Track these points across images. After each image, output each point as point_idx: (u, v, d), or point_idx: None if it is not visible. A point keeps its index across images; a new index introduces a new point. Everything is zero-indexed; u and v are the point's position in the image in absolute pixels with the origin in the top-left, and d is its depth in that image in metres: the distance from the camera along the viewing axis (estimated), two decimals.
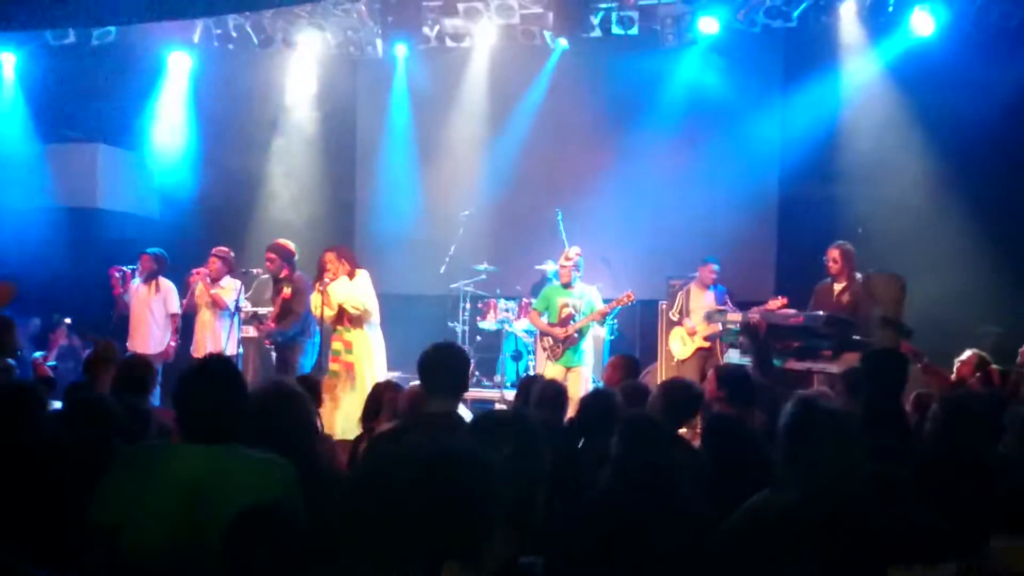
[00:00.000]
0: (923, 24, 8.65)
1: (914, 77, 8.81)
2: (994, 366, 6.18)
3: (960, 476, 3.18)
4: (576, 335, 7.65)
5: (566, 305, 7.72)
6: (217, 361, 2.77)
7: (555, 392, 4.54)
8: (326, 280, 7.17)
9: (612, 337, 9.45)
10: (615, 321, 9.58)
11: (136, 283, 8.27)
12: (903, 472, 2.84)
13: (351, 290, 7.16)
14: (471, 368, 9.51)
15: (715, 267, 8.51)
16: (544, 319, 7.83)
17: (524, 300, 9.17)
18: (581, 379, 7.65)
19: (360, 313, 7.15)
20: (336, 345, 7.22)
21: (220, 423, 2.59)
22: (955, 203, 8.55)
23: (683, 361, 8.53)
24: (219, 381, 2.65)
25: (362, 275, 7.28)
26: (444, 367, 3.48)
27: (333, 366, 7.22)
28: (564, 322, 7.68)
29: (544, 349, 7.84)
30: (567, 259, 7.82)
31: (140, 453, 2.71)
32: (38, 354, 7.94)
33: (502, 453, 1.92)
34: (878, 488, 2.48)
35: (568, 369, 7.62)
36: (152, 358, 7.92)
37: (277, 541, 2.12)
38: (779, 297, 7.73)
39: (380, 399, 4.67)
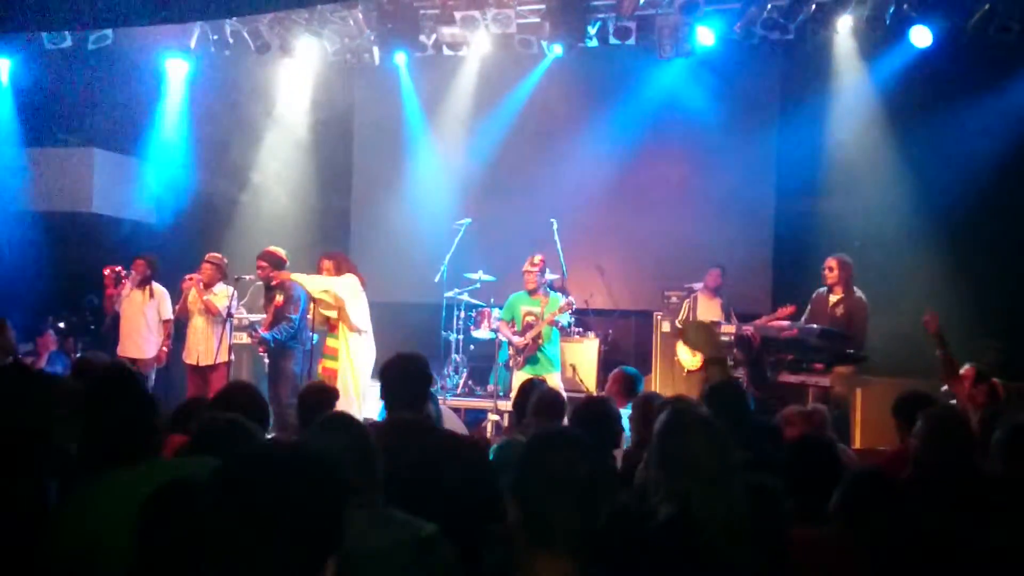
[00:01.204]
0: (921, 37, 8.64)
1: (912, 90, 8.81)
2: (996, 380, 6.14)
3: (945, 491, 3.15)
4: (533, 343, 7.59)
5: (529, 313, 7.68)
6: (115, 372, 2.62)
7: (552, 399, 4.43)
8: None
9: (606, 348, 9.43)
10: (610, 331, 9.57)
11: (129, 288, 8.24)
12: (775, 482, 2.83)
13: (330, 281, 7.17)
14: (462, 380, 9.55)
15: (717, 272, 8.53)
16: (512, 327, 7.79)
17: None
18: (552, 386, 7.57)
19: (334, 302, 7.14)
20: (327, 347, 7.31)
21: (138, 439, 2.46)
22: (954, 216, 8.54)
23: (692, 372, 8.48)
24: (126, 393, 2.52)
25: (349, 276, 7.30)
26: (404, 378, 3.35)
27: (329, 363, 7.29)
28: (525, 330, 7.65)
29: (511, 358, 7.81)
30: (532, 265, 7.75)
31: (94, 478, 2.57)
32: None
33: (577, 472, 1.89)
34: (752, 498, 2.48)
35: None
36: (144, 363, 7.95)
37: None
38: (788, 305, 7.69)
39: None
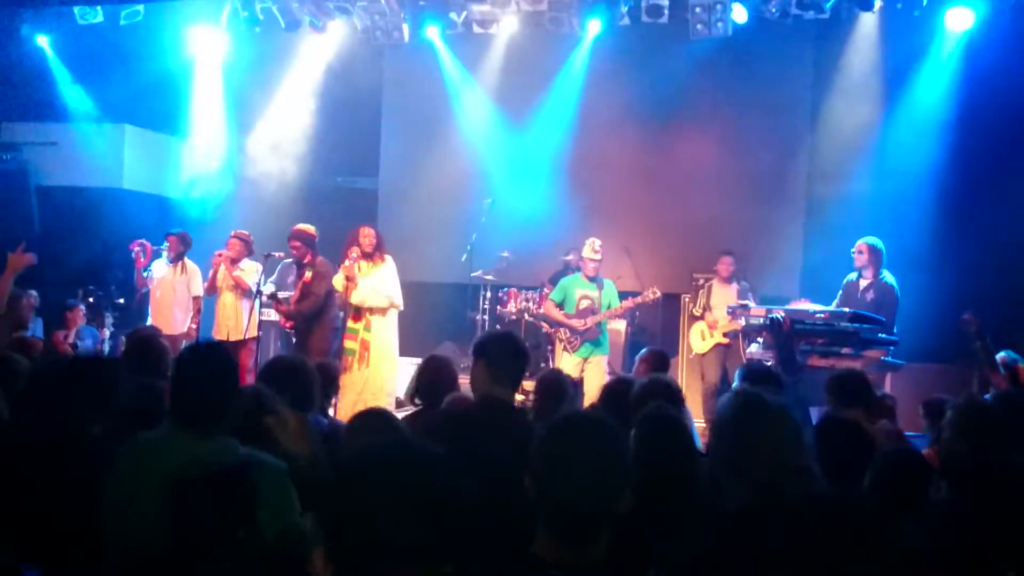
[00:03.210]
0: (959, 17, 8.49)
1: (950, 71, 8.66)
2: (1021, 365, 6.04)
3: (981, 488, 3.08)
4: (596, 328, 7.60)
5: (585, 297, 7.66)
6: (214, 349, 2.82)
7: (552, 381, 4.47)
8: (353, 256, 7.21)
9: (632, 330, 9.40)
10: (636, 313, 9.53)
11: (162, 262, 8.31)
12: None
13: (376, 285, 7.19)
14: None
15: (728, 259, 8.45)
16: (561, 310, 7.78)
17: (545, 290, 9.12)
18: (599, 369, 7.61)
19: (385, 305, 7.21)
20: (353, 324, 7.28)
21: (211, 411, 2.62)
22: (992, 202, 8.39)
23: (702, 355, 8.49)
24: (215, 369, 2.68)
25: (389, 263, 7.34)
26: (512, 356, 3.44)
27: (349, 343, 7.28)
28: (583, 314, 7.62)
29: (560, 340, 7.80)
30: (595, 252, 7.71)
31: (135, 448, 2.69)
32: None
33: (583, 458, 1.83)
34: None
35: (585, 360, 7.57)
36: (174, 338, 8.01)
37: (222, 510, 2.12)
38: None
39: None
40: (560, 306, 7.78)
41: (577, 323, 7.62)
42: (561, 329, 7.77)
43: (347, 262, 7.24)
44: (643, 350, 5.60)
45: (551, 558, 1.81)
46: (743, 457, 2.37)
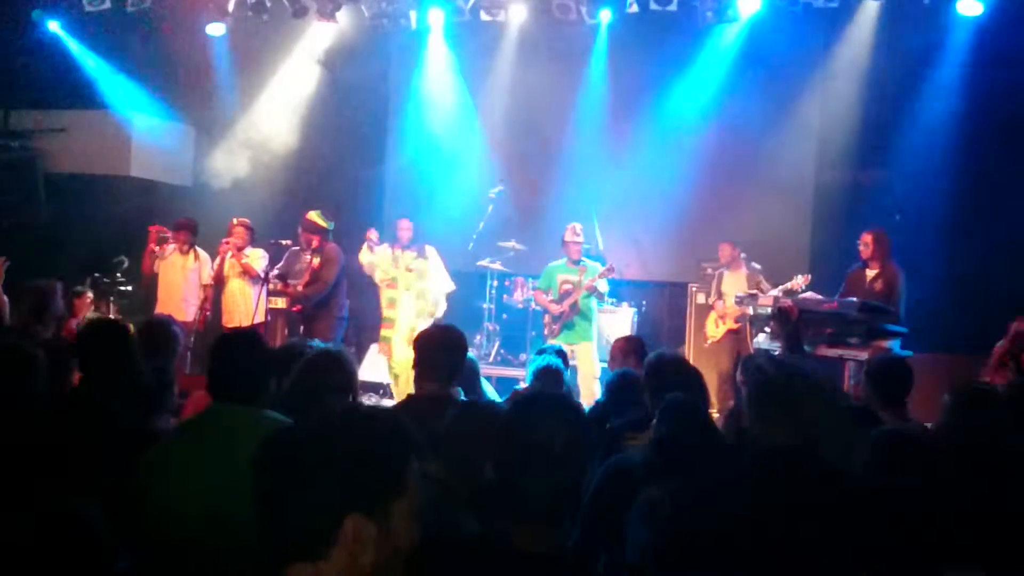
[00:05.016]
0: (970, 4, 8.43)
1: (961, 59, 8.60)
2: None
3: (975, 472, 3.09)
4: (570, 311, 7.61)
5: (566, 281, 7.74)
6: (247, 330, 3.11)
7: (552, 369, 4.49)
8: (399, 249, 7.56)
9: (640, 319, 9.40)
10: (644, 302, 9.52)
11: (171, 249, 8.32)
12: None
13: (420, 306, 7.57)
14: (494, 348, 9.57)
15: (725, 246, 8.50)
16: (548, 296, 7.84)
17: None
18: (585, 357, 7.60)
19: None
20: (389, 313, 7.42)
21: (245, 383, 2.80)
22: (1004, 190, 8.33)
23: (716, 342, 8.55)
24: (249, 345, 2.91)
25: (431, 257, 7.66)
26: (440, 350, 3.36)
27: (385, 332, 7.40)
28: (564, 298, 7.68)
29: (545, 326, 7.86)
30: (576, 235, 7.78)
31: (184, 427, 2.94)
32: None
33: (551, 441, 1.83)
34: None
35: (570, 347, 7.54)
36: (184, 325, 8.03)
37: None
38: (805, 276, 7.67)
39: None
40: (547, 293, 7.84)
41: (554, 307, 7.68)
42: (547, 315, 7.85)
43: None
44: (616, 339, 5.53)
45: (517, 544, 1.81)
46: (786, 411, 2.43)
